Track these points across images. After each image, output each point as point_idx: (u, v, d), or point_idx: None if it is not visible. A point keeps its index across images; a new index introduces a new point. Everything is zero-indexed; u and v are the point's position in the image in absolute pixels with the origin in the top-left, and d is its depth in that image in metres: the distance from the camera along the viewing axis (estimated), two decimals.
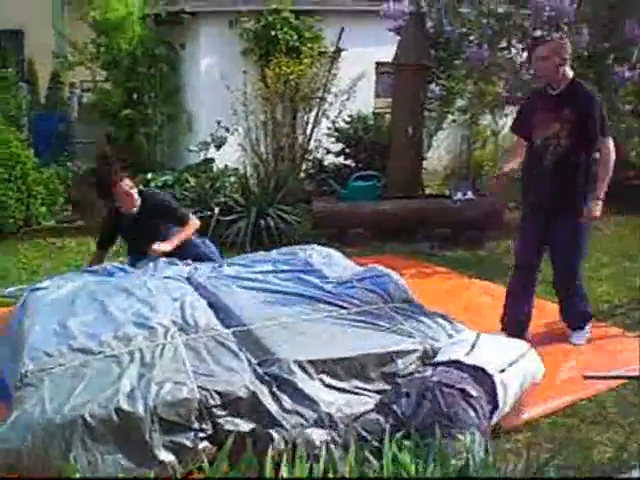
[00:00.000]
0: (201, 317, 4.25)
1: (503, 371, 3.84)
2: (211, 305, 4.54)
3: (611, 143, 4.87)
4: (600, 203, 4.89)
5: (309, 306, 4.49)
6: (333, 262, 5.32)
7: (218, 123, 9.03)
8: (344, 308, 4.47)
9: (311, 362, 3.74)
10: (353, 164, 9.34)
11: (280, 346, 3.92)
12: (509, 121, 8.98)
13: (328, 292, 4.66)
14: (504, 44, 8.16)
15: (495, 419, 3.78)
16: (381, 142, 9.12)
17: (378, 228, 7.95)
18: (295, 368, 3.68)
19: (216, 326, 4.17)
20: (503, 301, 5.52)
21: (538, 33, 7.94)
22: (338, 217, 7.98)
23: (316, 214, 8.01)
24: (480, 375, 3.76)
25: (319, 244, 6.21)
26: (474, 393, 3.60)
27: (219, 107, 8.98)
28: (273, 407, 3.51)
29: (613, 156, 4.87)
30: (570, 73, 4.89)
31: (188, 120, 10.14)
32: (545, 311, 5.78)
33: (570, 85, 4.88)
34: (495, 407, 3.72)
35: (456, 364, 3.82)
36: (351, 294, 4.63)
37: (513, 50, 8.17)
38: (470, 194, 8.22)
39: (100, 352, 3.83)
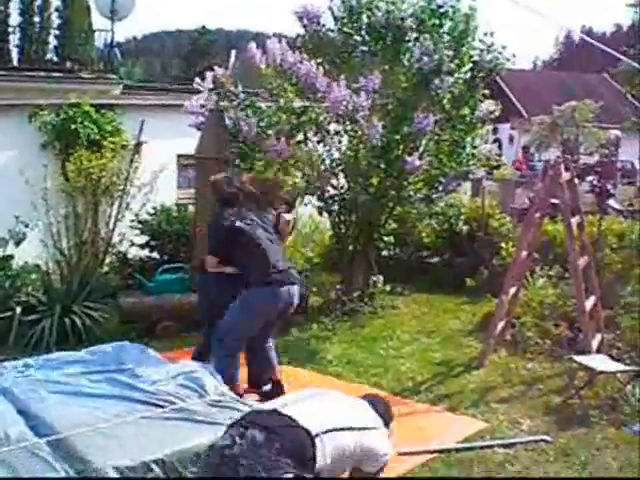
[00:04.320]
0: (11, 427, 4.08)
1: (327, 432, 3.81)
2: (20, 412, 4.38)
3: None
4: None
5: (123, 408, 4.43)
6: (145, 359, 5.29)
7: (16, 218, 8.78)
8: (160, 407, 4.46)
9: (130, 468, 3.72)
10: (159, 256, 9.34)
11: (96, 453, 3.85)
12: (308, 209, 9.43)
13: (142, 391, 4.63)
14: (301, 137, 8.57)
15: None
16: (186, 233, 9.21)
17: (187, 320, 7.96)
18: (113, 475, 3.64)
19: (27, 436, 4.03)
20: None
21: (333, 126, 8.46)
22: (146, 311, 7.92)
23: (123, 309, 7.92)
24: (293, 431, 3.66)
25: (128, 340, 6.18)
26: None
27: (17, 202, 8.73)
28: None
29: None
30: None
31: None
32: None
33: None
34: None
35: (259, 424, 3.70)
36: (166, 392, 4.64)
37: (309, 143, 8.59)
38: None
39: None
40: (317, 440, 3.65)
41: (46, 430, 4.12)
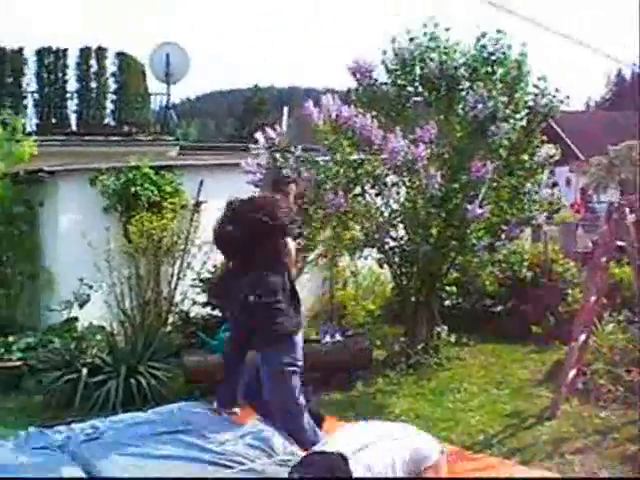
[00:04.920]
0: None
1: (360, 450, 3.81)
2: (89, 474, 4.38)
3: None
4: None
5: (192, 469, 4.39)
6: (212, 419, 5.24)
7: (81, 280, 8.92)
8: (229, 467, 4.41)
9: None
10: (220, 314, 9.35)
11: None
12: (370, 262, 9.38)
13: (210, 452, 4.58)
14: (358, 190, 8.58)
15: None
16: None
17: None
18: None
19: None
20: None
21: (390, 178, 8.45)
22: (210, 370, 7.88)
23: (188, 368, 7.93)
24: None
25: (194, 399, 6.17)
26: None
27: (80, 264, 8.89)
28: None
29: None
30: None
31: (48, 278, 9.95)
32: None
33: None
34: None
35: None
36: (234, 452, 4.58)
37: (367, 196, 8.59)
38: (338, 336, 8.41)
39: None
40: (351, 461, 3.68)
41: None
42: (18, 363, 8.50)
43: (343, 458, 3.71)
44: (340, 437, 4.01)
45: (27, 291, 10.19)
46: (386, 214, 8.55)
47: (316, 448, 3.96)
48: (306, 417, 5.44)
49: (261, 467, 4.47)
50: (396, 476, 3.89)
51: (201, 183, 9.92)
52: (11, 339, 8.84)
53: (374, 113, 8.38)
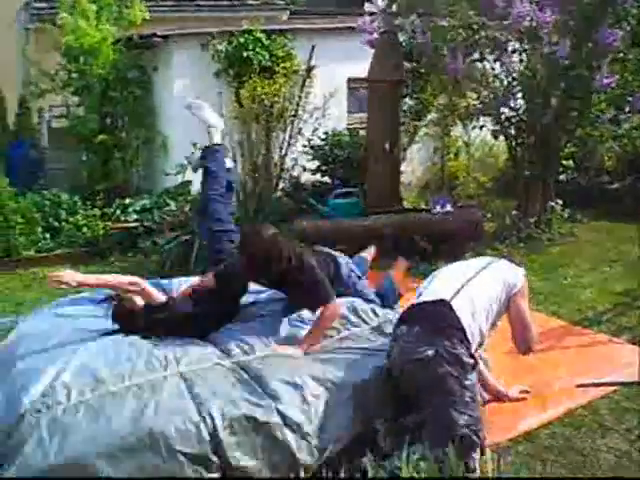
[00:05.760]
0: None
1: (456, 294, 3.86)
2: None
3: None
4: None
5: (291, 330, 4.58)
6: None
7: (194, 145, 9.00)
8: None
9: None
10: (330, 181, 9.37)
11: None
12: (483, 133, 9.13)
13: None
14: (477, 56, 8.27)
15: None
16: (357, 158, 9.17)
17: (360, 244, 7.92)
18: None
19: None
20: None
21: (511, 45, 8.09)
22: (320, 235, 7.94)
23: (298, 234, 7.99)
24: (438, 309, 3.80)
25: None
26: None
27: (194, 129, 8.92)
28: None
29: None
30: None
31: (163, 143, 10.11)
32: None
33: None
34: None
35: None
36: None
37: (486, 62, 8.28)
38: (449, 206, 8.31)
39: None
40: (453, 303, 3.78)
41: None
42: (134, 224, 8.77)
43: (446, 304, 3.77)
44: (434, 288, 4.01)
45: (142, 155, 10.41)
46: (505, 82, 8.23)
47: (413, 302, 3.99)
48: None
49: (360, 332, 4.55)
50: (493, 312, 3.94)
51: (313, 48, 9.73)
52: (127, 201, 9.09)
53: None
